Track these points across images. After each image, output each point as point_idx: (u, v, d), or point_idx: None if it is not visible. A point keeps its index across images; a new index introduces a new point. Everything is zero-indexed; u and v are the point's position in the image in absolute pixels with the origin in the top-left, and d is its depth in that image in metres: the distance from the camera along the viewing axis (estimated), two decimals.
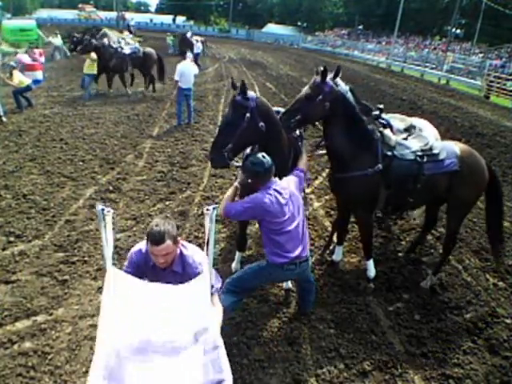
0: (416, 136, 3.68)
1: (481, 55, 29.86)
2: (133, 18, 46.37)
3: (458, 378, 2.96)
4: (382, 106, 3.66)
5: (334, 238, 4.32)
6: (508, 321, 3.58)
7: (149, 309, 1.98)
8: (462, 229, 4.81)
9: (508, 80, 19.20)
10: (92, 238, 4.43)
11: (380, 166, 3.34)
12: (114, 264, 2.18)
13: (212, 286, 2.26)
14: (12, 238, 4.30)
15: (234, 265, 3.94)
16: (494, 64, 24.00)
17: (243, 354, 3.00)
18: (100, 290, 3.61)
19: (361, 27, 52.09)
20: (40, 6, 62.22)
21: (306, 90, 3.20)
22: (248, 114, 2.95)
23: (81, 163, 6.51)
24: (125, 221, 4.79)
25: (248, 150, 3.38)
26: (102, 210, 2.04)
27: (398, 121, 3.83)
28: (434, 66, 27.68)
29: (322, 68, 3.11)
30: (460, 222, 3.86)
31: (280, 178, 2.92)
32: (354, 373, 2.94)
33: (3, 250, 4.11)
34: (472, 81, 21.56)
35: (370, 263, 3.83)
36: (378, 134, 3.41)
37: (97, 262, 4.00)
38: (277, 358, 3.02)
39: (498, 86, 19.04)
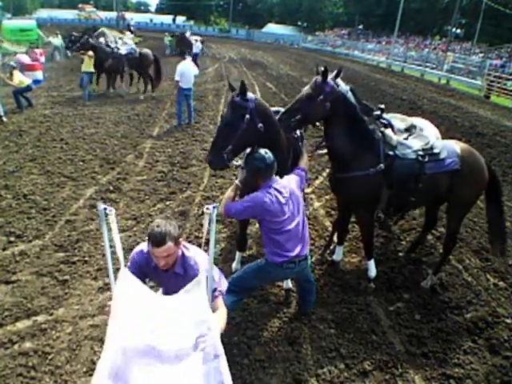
0: (417, 135, 3.68)
1: (481, 55, 29.85)
2: (132, 18, 46.43)
3: (458, 378, 2.96)
4: (383, 106, 3.66)
5: (335, 238, 4.31)
6: (508, 321, 3.58)
7: (155, 318, 1.98)
8: (462, 229, 4.81)
9: (508, 80, 19.21)
10: (92, 237, 4.43)
11: (382, 165, 3.34)
12: (113, 264, 2.19)
13: (215, 289, 2.23)
14: (12, 238, 4.30)
15: (234, 265, 3.94)
16: (494, 64, 23.99)
17: (243, 353, 3.00)
18: (100, 289, 3.62)
19: (361, 27, 52.10)
20: (40, 6, 62.23)
21: (306, 89, 3.19)
22: (247, 115, 2.94)
23: (81, 163, 6.52)
24: (125, 221, 4.79)
25: (248, 151, 3.38)
26: (104, 209, 2.02)
27: (398, 121, 3.83)
28: (434, 65, 27.67)
29: (322, 68, 3.11)
30: (460, 221, 3.86)
31: (280, 178, 2.92)
32: (355, 373, 2.94)
33: (3, 249, 4.11)
34: (472, 81, 21.56)
35: (371, 263, 3.83)
36: (380, 134, 3.41)
37: (97, 261, 4.01)
38: (277, 357, 3.02)
39: (499, 85, 19.04)
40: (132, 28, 30.70)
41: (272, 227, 2.79)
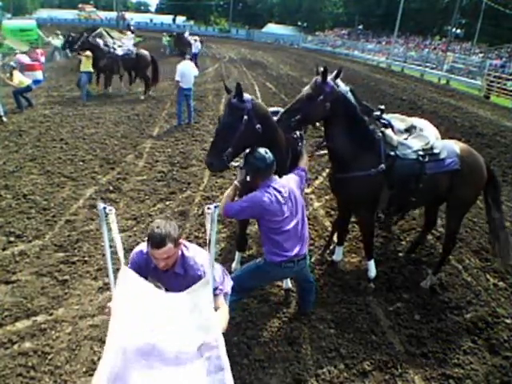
0: (416, 136, 3.68)
1: (481, 55, 29.84)
2: (132, 18, 46.40)
3: (458, 378, 2.96)
4: (383, 107, 3.66)
5: (334, 238, 4.31)
6: (508, 321, 3.58)
7: (156, 315, 1.96)
8: (461, 229, 4.82)
9: (508, 80, 19.20)
10: (92, 237, 4.43)
11: (383, 166, 3.34)
12: (114, 264, 2.18)
13: (216, 288, 2.21)
14: (12, 238, 4.30)
15: (234, 265, 3.94)
16: (494, 64, 23.98)
17: (243, 353, 3.00)
18: (100, 289, 3.62)
19: (361, 27, 52.08)
20: (40, 6, 62.24)
21: (306, 89, 3.19)
22: (245, 117, 2.94)
23: (81, 163, 6.52)
24: (125, 221, 4.79)
25: (247, 151, 3.38)
26: (104, 208, 2.01)
27: (398, 121, 3.83)
28: (434, 65, 27.66)
29: (322, 68, 3.11)
30: (460, 221, 3.86)
31: (279, 178, 2.92)
32: (354, 373, 2.94)
33: (3, 250, 4.11)
34: (472, 81, 21.55)
35: (371, 263, 3.83)
36: (380, 134, 3.41)
37: (97, 261, 4.01)
38: (277, 358, 3.02)
39: (498, 85, 19.03)
40: (132, 28, 30.68)
41: (271, 227, 2.79)
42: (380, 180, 3.39)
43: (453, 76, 23.22)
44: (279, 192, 2.76)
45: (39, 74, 11.68)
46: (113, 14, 49.32)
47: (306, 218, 3.01)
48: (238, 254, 3.96)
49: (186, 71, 8.55)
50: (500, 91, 18.63)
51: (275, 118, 3.20)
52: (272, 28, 56.82)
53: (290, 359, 3.01)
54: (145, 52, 11.99)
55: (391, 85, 19.08)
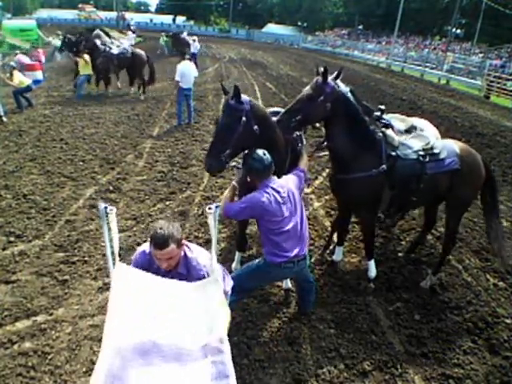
0: (416, 136, 3.68)
1: (481, 55, 29.83)
2: (132, 18, 46.41)
3: (458, 378, 2.96)
4: (383, 107, 3.66)
5: (334, 238, 4.31)
6: (508, 321, 3.58)
7: (158, 305, 1.94)
8: (461, 229, 4.82)
9: (508, 80, 19.19)
10: (92, 237, 4.43)
11: (384, 166, 3.34)
12: (114, 264, 2.17)
13: None
14: (12, 238, 4.30)
15: (234, 265, 3.94)
16: (494, 64, 23.97)
17: (243, 354, 3.00)
18: (100, 289, 3.62)
19: (361, 27, 52.06)
20: (40, 6, 62.16)
21: (307, 90, 3.19)
22: (244, 118, 2.94)
23: (81, 163, 6.52)
24: (125, 221, 4.79)
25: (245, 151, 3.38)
26: (105, 208, 2.01)
27: (398, 121, 3.83)
28: (434, 65, 27.64)
29: (322, 68, 3.11)
30: (459, 220, 3.87)
31: (278, 178, 2.92)
32: (354, 373, 2.94)
33: (3, 249, 4.11)
34: (472, 81, 21.55)
35: (372, 263, 3.83)
36: (381, 135, 3.41)
37: (97, 261, 4.00)
38: (277, 358, 3.02)
39: (498, 85, 19.03)
40: (133, 28, 30.67)
41: (270, 227, 2.79)
42: (381, 181, 3.38)
43: (453, 76, 23.22)
44: (278, 192, 2.76)
45: (39, 74, 11.68)
46: (113, 14, 49.32)
47: (305, 219, 3.01)
48: (238, 254, 3.96)
49: (186, 71, 8.55)
50: (500, 91, 18.62)
51: (275, 119, 3.20)
52: (272, 28, 56.79)
53: (290, 359, 3.01)
54: (141, 51, 11.97)
55: (391, 85, 19.08)
